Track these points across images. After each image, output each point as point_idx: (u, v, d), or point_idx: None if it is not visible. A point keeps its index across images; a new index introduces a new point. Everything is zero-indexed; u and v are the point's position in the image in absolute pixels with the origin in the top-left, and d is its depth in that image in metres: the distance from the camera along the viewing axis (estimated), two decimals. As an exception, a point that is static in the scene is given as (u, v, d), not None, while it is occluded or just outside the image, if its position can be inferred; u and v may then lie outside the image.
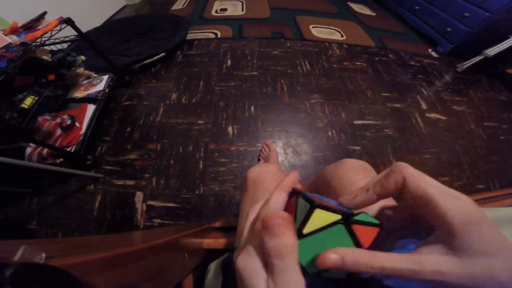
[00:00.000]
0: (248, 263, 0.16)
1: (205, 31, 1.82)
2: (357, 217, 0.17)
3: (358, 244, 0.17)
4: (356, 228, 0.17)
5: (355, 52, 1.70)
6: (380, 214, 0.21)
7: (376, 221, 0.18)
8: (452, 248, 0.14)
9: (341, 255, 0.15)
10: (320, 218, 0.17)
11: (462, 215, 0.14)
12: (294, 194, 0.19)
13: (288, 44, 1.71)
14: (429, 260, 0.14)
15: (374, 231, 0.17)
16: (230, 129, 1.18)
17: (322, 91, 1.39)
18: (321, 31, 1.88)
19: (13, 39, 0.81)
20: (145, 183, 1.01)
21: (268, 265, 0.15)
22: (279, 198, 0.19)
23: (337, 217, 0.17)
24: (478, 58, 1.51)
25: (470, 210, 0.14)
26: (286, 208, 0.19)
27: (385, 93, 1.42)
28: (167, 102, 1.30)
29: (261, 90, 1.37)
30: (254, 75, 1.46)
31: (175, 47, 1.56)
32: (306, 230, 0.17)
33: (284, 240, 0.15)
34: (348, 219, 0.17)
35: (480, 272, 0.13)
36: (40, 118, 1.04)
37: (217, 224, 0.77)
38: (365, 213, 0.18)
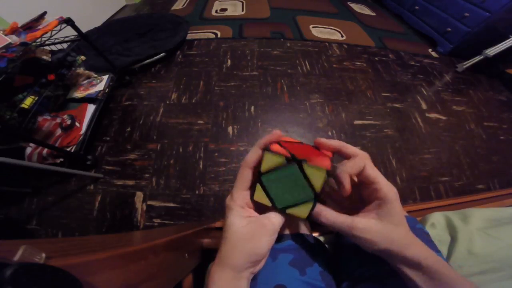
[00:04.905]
0: (230, 201, 0.24)
1: (205, 31, 1.82)
2: (307, 163, 0.21)
3: (311, 185, 0.21)
4: (307, 168, 0.21)
5: (355, 52, 1.70)
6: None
7: (323, 167, 0.21)
8: (379, 216, 0.22)
9: (319, 210, 0.23)
10: (271, 160, 0.22)
11: (393, 193, 0.22)
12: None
13: (288, 44, 1.71)
14: (362, 221, 0.22)
15: (322, 175, 0.21)
16: (230, 129, 1.18)
17: (322, 91, 1.39)
18: (321, 31, 1.88)
19: (13, 39, 0.80)
20: (145, 183, 1.01)
21: None
22: (253, 153, 0.24)
23: (282, 159, 0.21)
24: (478, 58, 1.51)
25: (396, 193, 0.23)
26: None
27: (385, 93, 1.42)
28: (167, 102, 1.30)
29: (261, 90, 1.37)
30: (254, 75, 1.46)
31: (175, 47, 1.56)
32: (262, 169, 0.22)
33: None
34: (299, 162, 0.21)
35: (394, 233, 0.22)
36: (40, 118, 1.04)
37: (217, 224, 0.76)
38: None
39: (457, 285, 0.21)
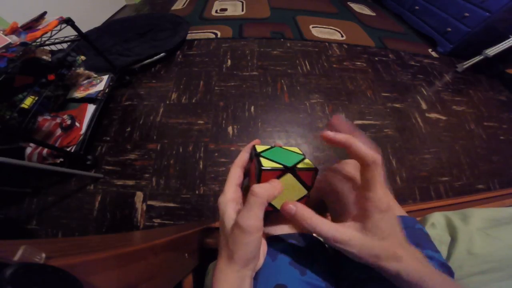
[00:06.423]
0: (222, 198, 0.25)
1: (205, 31, 1.82)
2: (299, 166, 0.24)
3: (304, 184, 0.24)
4: (300, 173, 0.24)
5: (355, 52, 1.70)
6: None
7: (312, 166, 0.25)
8: (366, 228, 0.21)
9: (296, 206, 0.22)
10: (268, 176, 0.23)
11: (386, 205, 0.21)
12: (255, 155, 0.26)
13: (288, 44, 1.71)
14: (346, 233, 0.21)
15: (311, 174, 0.25)
16: (230, 129, 1.18)
17: (322, 91, 1.39)
18: (321, 31, 1.88)
19: (13, 39, 0.80)
20: (145, 183, 1.01)
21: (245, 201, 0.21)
22: (242, 156, 0.28)
23: (280, 167, 0.23)
24: (478, 58, 1.51)
25: (388, 204, 0.21)
26: (251, 166, 0.27)
27: (385, 93, 1.42)
28: (167, 102, 1.30)
29: (261, 90, 1.37)
30: (254, 75, 1.46)
31: (175, 47, 1.56)
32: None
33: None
34: (293, 169, 0.23)
35: (377, 248, 0.20)
36: (40, 118, 1.04)
37: (217, 224, 0.76)
38: (306, 160, 0.26)
39: None
